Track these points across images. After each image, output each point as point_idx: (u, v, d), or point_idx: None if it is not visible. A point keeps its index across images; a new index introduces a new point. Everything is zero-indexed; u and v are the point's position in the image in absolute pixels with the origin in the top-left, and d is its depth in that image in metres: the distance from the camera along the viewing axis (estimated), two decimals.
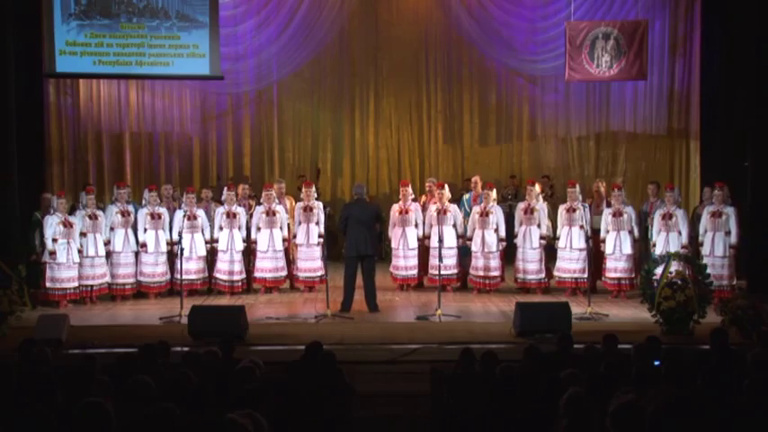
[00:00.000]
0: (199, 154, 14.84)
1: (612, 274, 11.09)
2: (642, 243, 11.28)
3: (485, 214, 11.27)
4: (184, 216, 11.08)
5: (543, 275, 11.28)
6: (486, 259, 11.26)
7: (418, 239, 11.48)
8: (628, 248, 10.96)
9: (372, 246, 10.27)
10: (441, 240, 10.45)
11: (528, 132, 15.21)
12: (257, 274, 11.43)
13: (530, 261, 11.26)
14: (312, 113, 15.16)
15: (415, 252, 11.52)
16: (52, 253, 10.52)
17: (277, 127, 15.06)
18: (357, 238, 10.20)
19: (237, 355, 6.73)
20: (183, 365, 5.89)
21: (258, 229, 11.34)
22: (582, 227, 10.91)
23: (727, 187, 10.82)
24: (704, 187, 12.15)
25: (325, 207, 11.79)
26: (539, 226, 11.22)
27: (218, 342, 6.61)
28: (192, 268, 11.18)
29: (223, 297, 11.23)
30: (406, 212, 11.47)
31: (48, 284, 10.61)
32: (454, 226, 11.42)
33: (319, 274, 11.34)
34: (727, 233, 10.64)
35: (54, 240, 10.52)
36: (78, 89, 14.09)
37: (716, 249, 10.60)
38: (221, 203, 11.61)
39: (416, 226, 11.49)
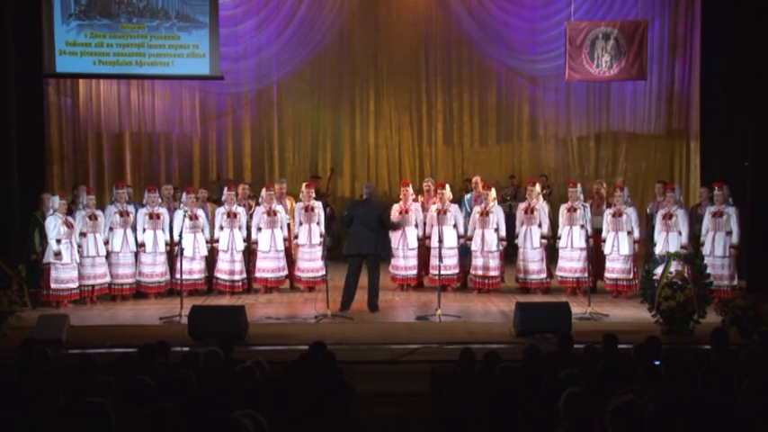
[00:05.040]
0: (199, 154, 14.84)
1: (610, 275, 11.09)
2: (649, 243, 11.26)
3: (485, 214, 11.28)
4: (185, 216, 11.08)
5: (544, 275, 11.28)
6: (485, 259, 11.26)
7: (418, 239, 11.48)
8: (625, 249, 10.95)
9: (376, 245, 10.21)
10: (441, 240, 10.45)
11: (528, 132, 15.22)
12: (258, 274, 11.43)
13: (530, 261, 11.26)
14: (312, 113, 15.17)
15: (415, 252, 11.52)
16: (57, 254, 10.49)
17: (277, 127, 15.06)
18: (359, 238, 10.20)
19: (238, 355, 6.74)
20: (182, 365, 5.89)
21: (259, 229, 11.34)
22: (583, 226, 10.91)
23: (726, 187, 10.80)
24: (702, 187, 12.17)
25: (325, 207, 11.79)
26: (539, 226, 11.22)
27: (217, 342, 6.60)
28: (192, 268, 11.17)
29: (223, 297, 11.23)
30: (407, 212, 11.47)
31: (52, 285, 10.57)
32: (455, 226, 11.42)
33: (321, 274, 11.33)
34: (728, 233, 10.62)
35: (58, 241, 10.51)
36: (78, 89, 14.10)
37: (716, 249, 10.58)
38: (219, 203, 11.61)
39: (416, 226, 11.49)
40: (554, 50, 13.97)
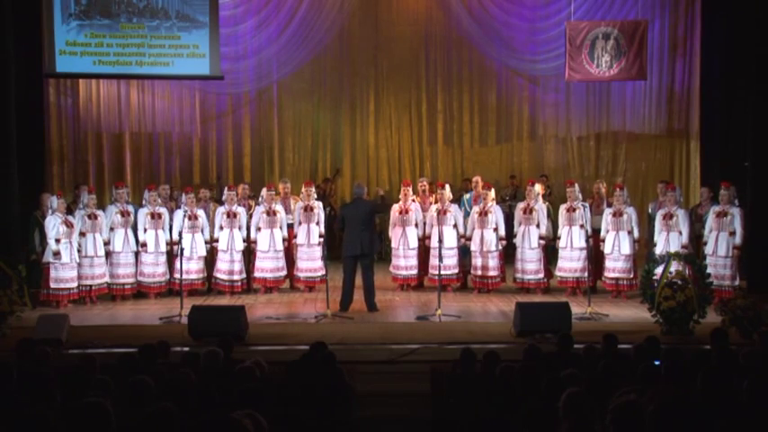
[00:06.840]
0: (199, 154, 14.85)
1: (611, 275, 11.08)
2: (650, 243, 11.25)
3: (484, 214, 11.28)
4: (185, 216, 11.08)
5: (542, 276, 11.27)
6: (484, 259, 11.25)
7: (418, 239, 11.47)
8: (626, 249, 10.94)
9: (366, 246, 10.20)
10: (441, 240, 10.45)
11: (528, 132, 15.22)
12: (257, 274, 11.42)
13: (528, 261, 11.26)
14: (312, 113, 15.18)
15: (416, 252, 11.51)
16: (57, 254, 10.48)
17: (277, 127, 15.06)
18: (352, 238, 10.21)
19: (238, 355, 6.73)
20: (182, 365, 5.89)
21: (258, 229, 11.33)
22: (582, 226, 10.91)
23: (733, 187, 10.80)
24: (702, 187, 12.17)
25: (325, 207, 11.78)
26: (537, 226, 11.22)
27: (217, 342, 6.60)
28: (192, 268, 11.17)
29: (223, 297, 11.23)
30: (407, 212, 11.47)
31: (52, 285, 10.57)
32: (455, 226, 11.41)
33: (320, 274, 11.33)
34: (732, 233, 10.61)
35: (57, 241, 10.50)
36: (78, 89, 14.11)
37: (719, 249, 10.57)
38: (220, 203, 11.61)
39: (416, 226, 11.49)
40: (554, 50, 13.97)
